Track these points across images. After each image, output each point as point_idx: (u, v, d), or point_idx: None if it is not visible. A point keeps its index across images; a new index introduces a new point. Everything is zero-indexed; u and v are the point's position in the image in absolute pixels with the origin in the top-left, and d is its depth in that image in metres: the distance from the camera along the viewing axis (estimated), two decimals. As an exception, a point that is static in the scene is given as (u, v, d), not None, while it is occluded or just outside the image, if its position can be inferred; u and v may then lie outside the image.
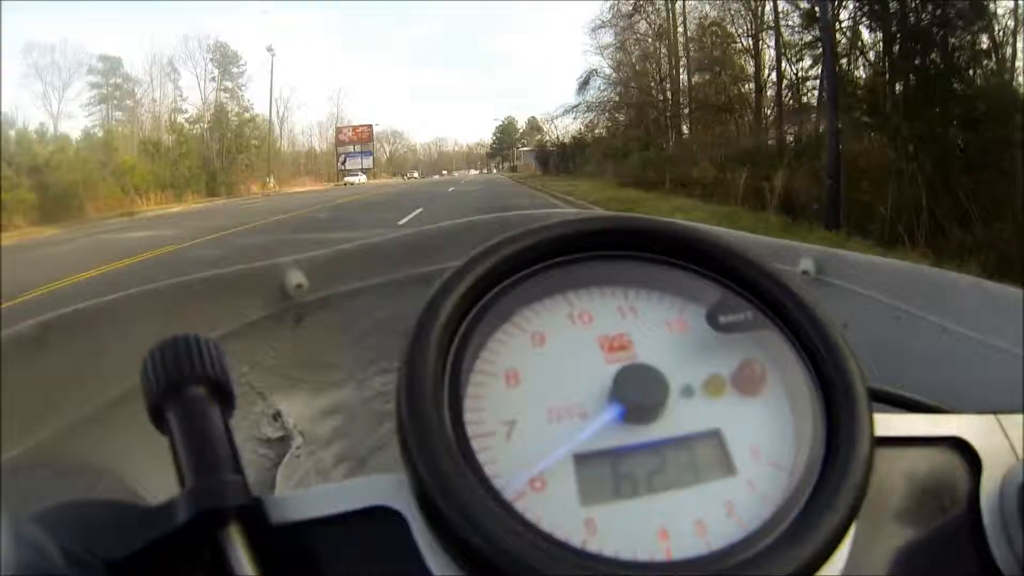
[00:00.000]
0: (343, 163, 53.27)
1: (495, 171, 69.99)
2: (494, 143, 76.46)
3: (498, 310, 0.27)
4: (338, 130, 54.52)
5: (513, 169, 55.18)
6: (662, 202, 10.65)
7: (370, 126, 54.83)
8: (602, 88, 26.20)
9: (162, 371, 0.23)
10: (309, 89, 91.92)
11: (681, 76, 20.18)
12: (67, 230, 14.45)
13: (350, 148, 53.16)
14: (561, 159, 31.33)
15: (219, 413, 0.23)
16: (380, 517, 0.23)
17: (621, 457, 0.24)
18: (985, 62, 7.92)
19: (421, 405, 0.23)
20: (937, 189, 6.26)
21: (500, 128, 75.50)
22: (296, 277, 0.50)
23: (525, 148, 62.00)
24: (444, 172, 73.85)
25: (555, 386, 0.26)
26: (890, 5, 8.94)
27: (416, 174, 65.44)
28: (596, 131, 27.16)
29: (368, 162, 53.67)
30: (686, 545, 0.22)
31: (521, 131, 70.34)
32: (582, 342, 0.27)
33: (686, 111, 19.37)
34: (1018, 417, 0.29)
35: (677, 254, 0.29)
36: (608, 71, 25.13)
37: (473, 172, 71.82)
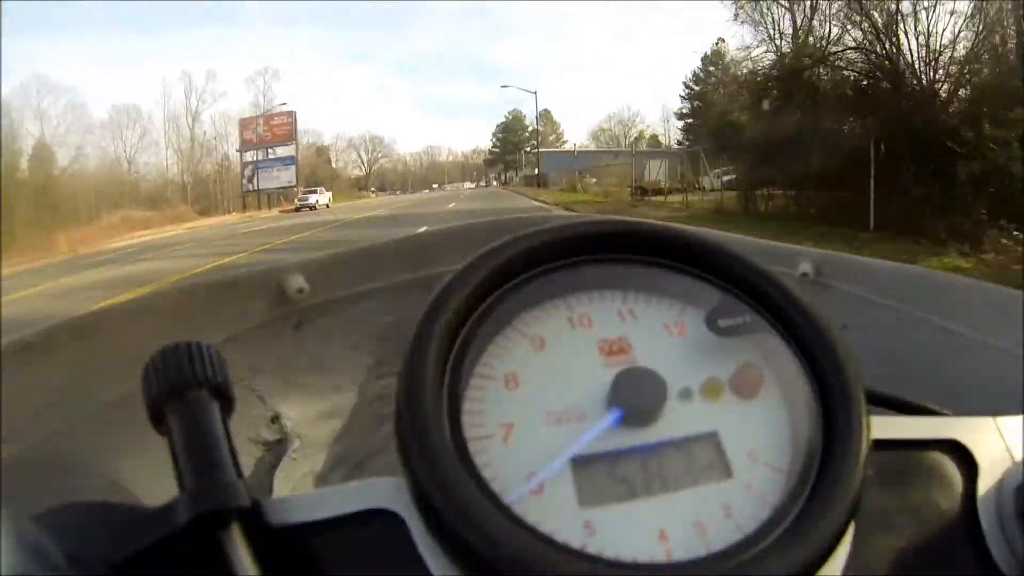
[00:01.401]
0: (250, 179, 32.44)
1: (494, 183, 54.24)
2: (495, 145, 57.71)
3: (499, 314, 0.27)
4: (242, 125, 34.02)
5: (536, 183, 34.25)
6: None
7: (291, 113, 34.24)
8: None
9: (163, 375, 0.23)
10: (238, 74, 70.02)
11: None
12: None
13: (272, 152, 32.53)
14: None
15: (218, 416, 0.23)
16: (379, 520, 0.23)
17: (619, 459, 0.24)
18: None
19: (420, 408, 0.23)
20: None
21: (503, 126, 56.75)
22: (297, 281, 0.50)
23: (548, 150, 41.68)
24: (435, 186, 60.07)
25: (554, 389, 0.26)
26: None
27: (316, 199, 28.24)
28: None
29: (288, 176, 32.60)
30: (685, 546, 0.22)
31: (530, 129, 50.86)
32: (582, 346, 0.27)
33: None
34: (1017, 419, 0.29)
35: (677, 257, 0.29)
36: None
37: (469, 185, 58.78)
